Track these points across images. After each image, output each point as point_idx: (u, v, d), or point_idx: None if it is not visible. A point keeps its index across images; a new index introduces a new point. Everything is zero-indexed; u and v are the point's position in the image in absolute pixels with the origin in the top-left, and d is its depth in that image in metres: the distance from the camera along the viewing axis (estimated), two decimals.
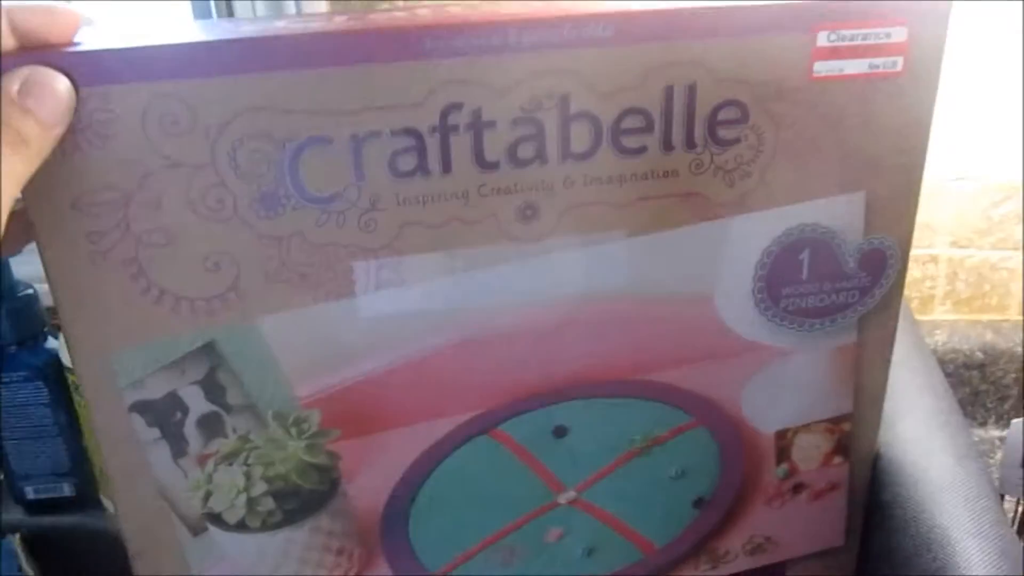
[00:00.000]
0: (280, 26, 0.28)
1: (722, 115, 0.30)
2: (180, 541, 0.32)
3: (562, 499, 0.35)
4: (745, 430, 0.36)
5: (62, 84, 0.25)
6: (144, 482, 0.31)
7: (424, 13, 0.29)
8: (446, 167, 0.28)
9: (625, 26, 0.28)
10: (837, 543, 0.39)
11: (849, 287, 0.34)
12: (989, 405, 0.63)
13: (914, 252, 0.34)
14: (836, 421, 0.36)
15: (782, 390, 0.35)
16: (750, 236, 0.32)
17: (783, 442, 0.36)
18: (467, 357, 0.31)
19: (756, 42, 0.29)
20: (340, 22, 0.29)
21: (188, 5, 0.54)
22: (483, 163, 0.29)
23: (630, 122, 0.29)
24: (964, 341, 0.62)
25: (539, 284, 0.31)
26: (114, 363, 0.29)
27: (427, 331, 0.31)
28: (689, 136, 0.30)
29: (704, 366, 0.34)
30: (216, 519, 0.32)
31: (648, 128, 0.29)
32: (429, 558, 0.35)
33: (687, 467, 0.36)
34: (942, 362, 0.62)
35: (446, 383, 0.32)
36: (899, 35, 0.30)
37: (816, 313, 0.34)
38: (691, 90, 0.29)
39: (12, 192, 0.24)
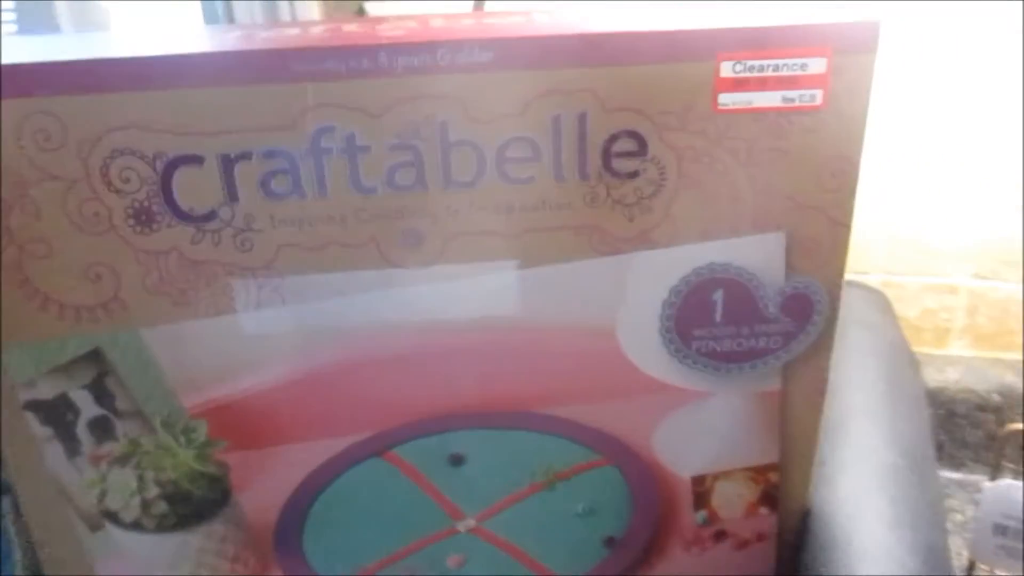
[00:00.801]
0: (185, 41, 0.28)
1: (617, 147, 0.28)
2: (79, 535, 0.33)
3: (461, 526, 0.34)
4: (658, 471, 0.34)
5: None
6: (41, 477, 0.32)
7: (316, 32, 0.29)
8: (321, 190, 0.28)
9: (504, 51, 0.27)
10: None
11: (770, 332, 0.31)
12: (1005, 452, 0.58)
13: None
14: (761, 471, 0.34)
15: (698, 433, 0.33)
16: (655, 273, 0.30)
17: (701, 487, 0.34)
18: (355, 378, 0.31)
19: (652, 71, 0.27)
20: (231, 38, 0.29)
21: (199, 8, 0.56)
22: (360, 187, 0.28)
23: (515, 151, 0.28)
24: (981, 381, 0.57)
25: (426, 310, 0.30)
26: (5, 360, 0.30)
27: (312, 350, 0.31)
28: (582, 167, 0.28)
29: (611, 403, 0.33)
30: (113, 517, 0.33)
31: (535, 157, 0.28)
32: (325, 572, 0.35)
33: (595, 505, 0.34)
34: (953, 401, 0.58)
35: (335, 402, 0.32)
36: (817, 66, 0.27)
37: (733, 357, 0.32)
38: (581, 119, 0.28)
39: None
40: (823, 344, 0.32)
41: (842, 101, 0.28)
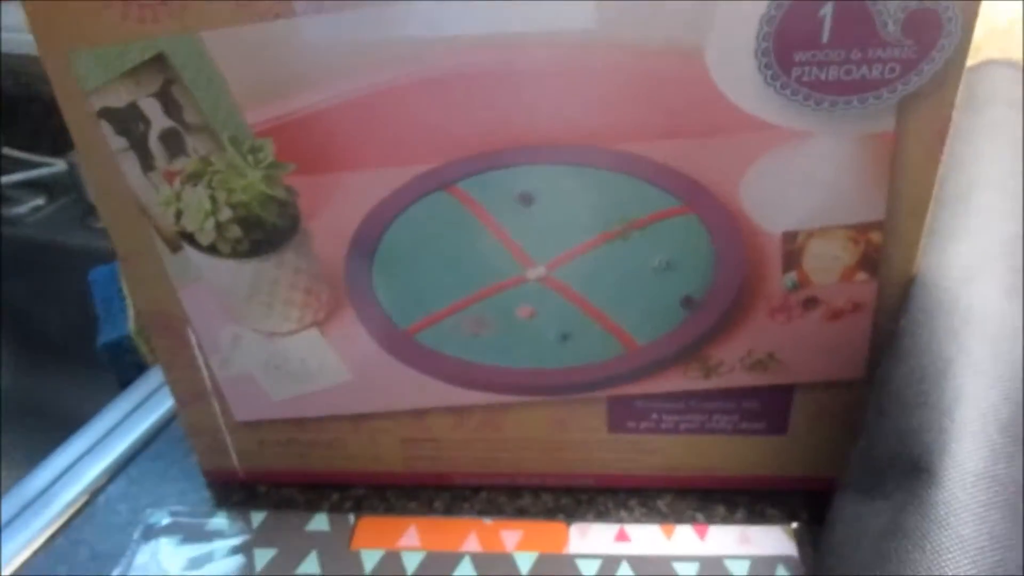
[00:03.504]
0: None
1: None
2: (159, 255, 0.34)
3: (531, 275, 0.33)
4: (744, 225, 0.31)
5: None
6: (121, 193, 0.32)
7: None
8: None
9: None
10: (855, 375, 0.34)
11: (887, 58, 0.27)
12: None
13: None
14: (862, 229, 0.31)
15: (791, 182, 0.30)
16: None
17: (792, 246, 0.31)
18: (419, 100, 0.29)
19: None
20: None
21: None
22: None
23: None
24: None
25: (493, 21, 0.28)
26: (75, 64, 0.30)
27: (373, 64, 0.29)
28: None
29: (695, 142, 0.30)
30: (190, 239, 0.33)
31: None
32: (396, 313, 0.35)
33: (674, 259, 0.32)
34: None
35: (398, 126, 0.30)
36: None
37: (840, 88, 0.28)
38: None
39: None
40: (949, 78, 0.28)
41: None
